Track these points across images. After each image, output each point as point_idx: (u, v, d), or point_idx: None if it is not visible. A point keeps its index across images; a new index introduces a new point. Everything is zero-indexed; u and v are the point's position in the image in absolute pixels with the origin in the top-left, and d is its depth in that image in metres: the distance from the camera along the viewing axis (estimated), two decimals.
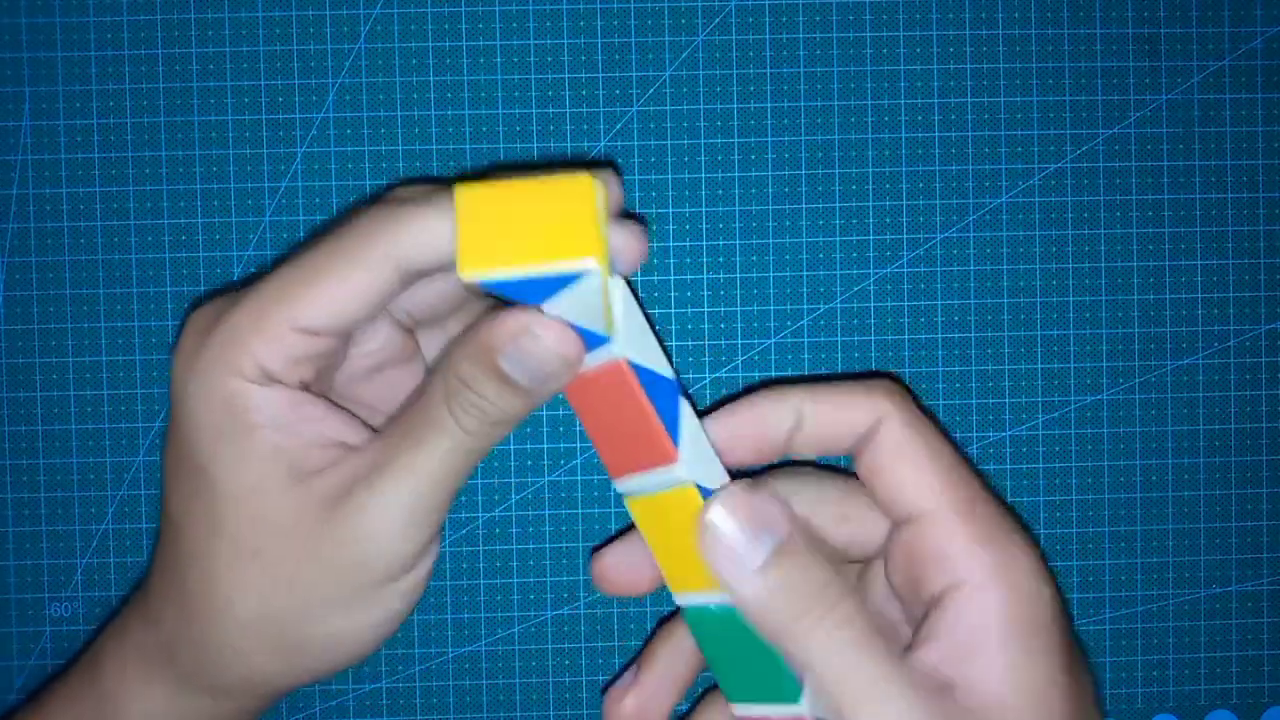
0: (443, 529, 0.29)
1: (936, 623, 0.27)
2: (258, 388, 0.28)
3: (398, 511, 0.27)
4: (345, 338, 0.29)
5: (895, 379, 0.30)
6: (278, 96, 0.38)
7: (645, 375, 0.28)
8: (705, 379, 0.39)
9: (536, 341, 0.26)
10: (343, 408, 0.29)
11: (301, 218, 0.38)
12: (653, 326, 0.29)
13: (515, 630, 0.39)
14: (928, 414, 0.29)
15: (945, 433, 0.29)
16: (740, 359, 0.39)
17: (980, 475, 0.29)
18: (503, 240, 0.25)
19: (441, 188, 0.28)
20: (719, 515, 0.27)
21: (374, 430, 0.31)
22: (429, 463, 0.27)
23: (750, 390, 0.30)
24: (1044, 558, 0.28)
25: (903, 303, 0.39)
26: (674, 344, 0.38)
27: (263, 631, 0.28)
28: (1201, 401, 0.39)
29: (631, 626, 0.39)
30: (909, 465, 0.28)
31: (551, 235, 0.25)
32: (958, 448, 0.29)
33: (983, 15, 0.38)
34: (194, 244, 0.38)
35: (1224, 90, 0.39)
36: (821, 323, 0.39)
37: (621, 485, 0.29)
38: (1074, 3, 0.38)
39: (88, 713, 0.30)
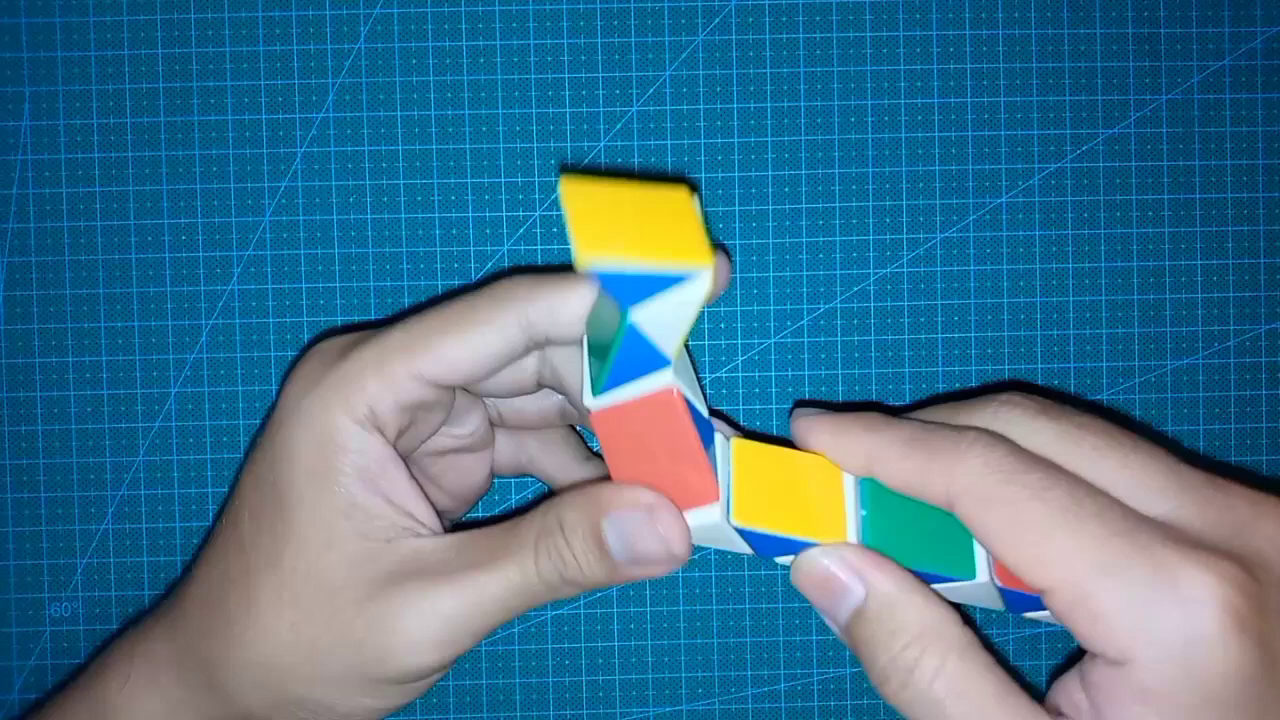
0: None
1: (1086, 680, 0.25)
2: (358, 430, 0.28)
3: (439, 623, 0.27)
4: (451, 398, 0.30)
5: (1016, 398, 0.28)
6: (278, 96, 0.38)
7: (692, 410, 0.28)
8: (705, 379, 0.39)
9: (652, 522, 0.27)
10: (416, 479, 0.30)
11: (301, 218, 0.38)
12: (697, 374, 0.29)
13: (515, 630, 0.39)
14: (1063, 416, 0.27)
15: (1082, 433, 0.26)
16: (740, 359, 0.39)
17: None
18: (615, 234, 0.25)
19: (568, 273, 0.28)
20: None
21: (436, 508, 0.32)
22: (489, 587, 0.27)
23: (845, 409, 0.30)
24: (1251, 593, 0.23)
25: (903, 303, 0.39)
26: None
27: (266, 678, 0.28)
28: (1202, 401, 0.39)
29: (632, 626, 0.39)
30: (1011, 542, 0.25)
31: (663, 238, 0.25)
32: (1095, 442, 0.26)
33: (983, 15, 0.38)
34: (194, 244, 0.38)
35: (1224, 90, 0.39)
36: (821, 323, 0.39)
37: None
38: (1074, 3, 0.38)
39: (83, 715, 0.30)
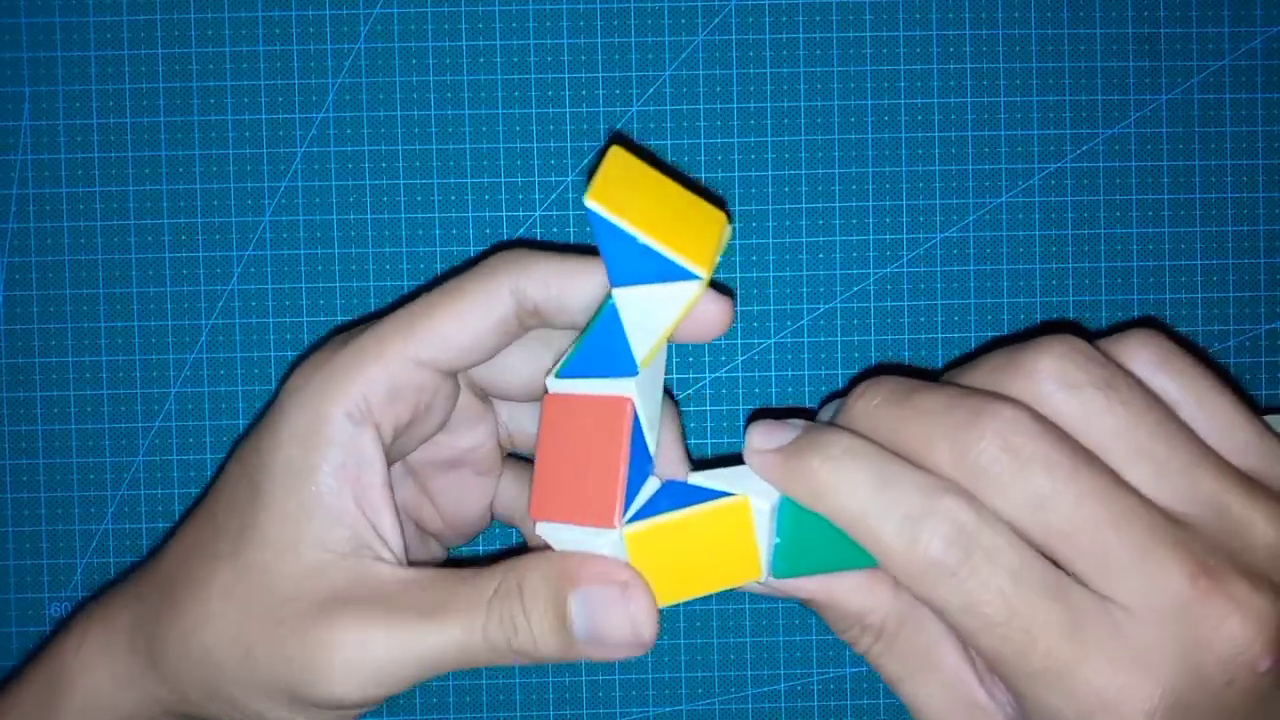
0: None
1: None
2: (346, 423, 0.27)
3: (370, 664, 0.26)
4: (452, 391, 0.29)
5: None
6: (278, 96, 0.38)
7: (636, 435, 0.27)
8: (705, 379, 0.39)
9: (624, 600, 0.26)
10: (393, 502, 0.29)
11: (301, 218, 0.38)
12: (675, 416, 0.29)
13: None
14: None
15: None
16: (740, 359, 0.39)
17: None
18: (634, 203, 0.25)
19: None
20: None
21: (411, 529, 0.32)
22: (429, 639, 0.26)
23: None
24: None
25: (903, 303, 0.39)
26: (674, 344, 0.38)
27: (202, 668, 0.28)
28: None
29: None
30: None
31: (677, 231, 0.26)
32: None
33: (983, 15, 0.38)
34: (194, 244, 0.38)
35: (1224, 90, 0.39)
36: (821, 323, 0.39)
37: (542, 530, 0.27)
38: (1074, 3, 0.38)
39: (38, 682, 0.30)
